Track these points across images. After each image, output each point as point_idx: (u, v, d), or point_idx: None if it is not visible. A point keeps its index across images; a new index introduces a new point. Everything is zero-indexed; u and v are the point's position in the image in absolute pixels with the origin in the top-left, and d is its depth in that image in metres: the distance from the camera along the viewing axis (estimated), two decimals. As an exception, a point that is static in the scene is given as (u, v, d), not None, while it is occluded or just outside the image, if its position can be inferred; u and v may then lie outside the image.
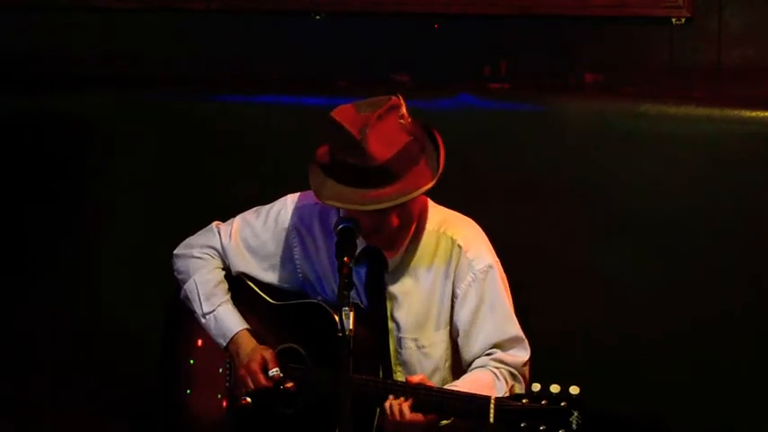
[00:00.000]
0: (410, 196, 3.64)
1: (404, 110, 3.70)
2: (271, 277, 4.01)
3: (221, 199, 4.57)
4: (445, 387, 3.72)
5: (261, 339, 3.95)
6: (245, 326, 3.96)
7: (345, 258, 3.53)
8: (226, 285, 4.03)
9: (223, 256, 4.04)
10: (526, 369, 3.84)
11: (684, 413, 4.41)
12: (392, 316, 3.86)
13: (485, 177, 4.51)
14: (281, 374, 3.84)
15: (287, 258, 3.98)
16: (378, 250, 3.83)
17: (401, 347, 3.87)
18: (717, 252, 4.38)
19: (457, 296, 3.83)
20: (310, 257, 3.94)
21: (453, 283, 3.83)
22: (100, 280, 4.83)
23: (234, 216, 4.08)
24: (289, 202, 3.99)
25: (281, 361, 3.88)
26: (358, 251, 3.77)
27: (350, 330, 3.40)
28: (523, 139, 4.51)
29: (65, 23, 4.99)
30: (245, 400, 3.89)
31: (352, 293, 3.79)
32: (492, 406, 3.49)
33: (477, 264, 3.81)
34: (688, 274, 4.40)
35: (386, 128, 3.64)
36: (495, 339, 3.81)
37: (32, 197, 4.86)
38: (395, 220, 3.70)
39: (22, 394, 4.86)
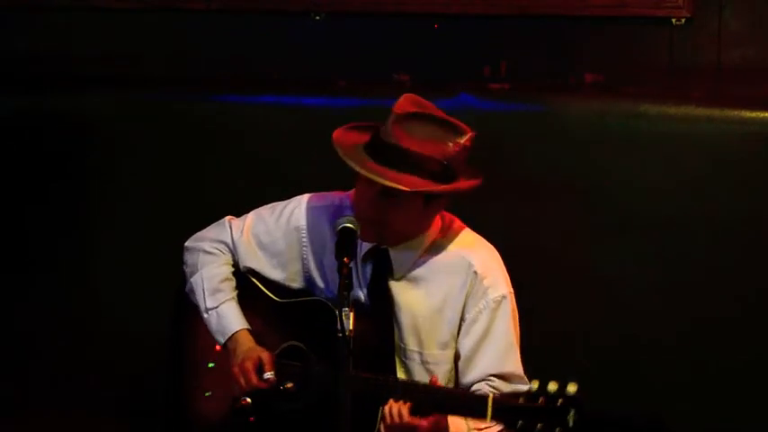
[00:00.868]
0: (403, 188, 3.62)
1: (462, 140, 3.72)
2: (278, 275, 4.00)
3: (221, 199, 4.56)
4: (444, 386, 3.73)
5: (263, 338, 3.94)
6: (247, 326, 3.95)
7: (345, 258, 3.52)
8: (233, 283, 4.02)
9: (233, 251, 4.03)
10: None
11: (684, 413, 4.41)
12: (396, 322, 3.85)
13: (485, 177, 4.50)
14: (276, 379, 3.82)
15: (296, 257, 3.97)
16: (384, 251, 3.82)
17: (405, 357, 3.86)
18: (717, 252, 4.38)
19: (465, 320, 3.82)
20: (319, 258, 3.94)
21: (464, 308, 3.82)
22: (100, 280, 4.83)
23: (232, 215, 4.08)
24: (304, 202, 3.98)
25: (281, 361, 3.87)
26: (365, 251, 3.79)
27: (350, 331, 3.40)
28: (523, 139, 4.51)
29: (65, 23, 4.99)
30: (245, 400, 3.89)
31: (360, 293, 3.81)
32: (490, 404, 3.50)
33: (491, 292, 3.80)
34: (688, 274, 4.40)
35: (434, 133, 3.68)
36: (493, 370, 3.80)
37: (32, 197, 4.85)
38: (371, 209, 3.69)
39: (22, 394, 4.85)
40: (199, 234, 4.09)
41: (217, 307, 3.97)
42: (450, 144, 3.71)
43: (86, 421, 4.74)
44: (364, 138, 3.78)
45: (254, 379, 3.84)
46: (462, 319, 3.82)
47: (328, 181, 4.00)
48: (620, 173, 4.44)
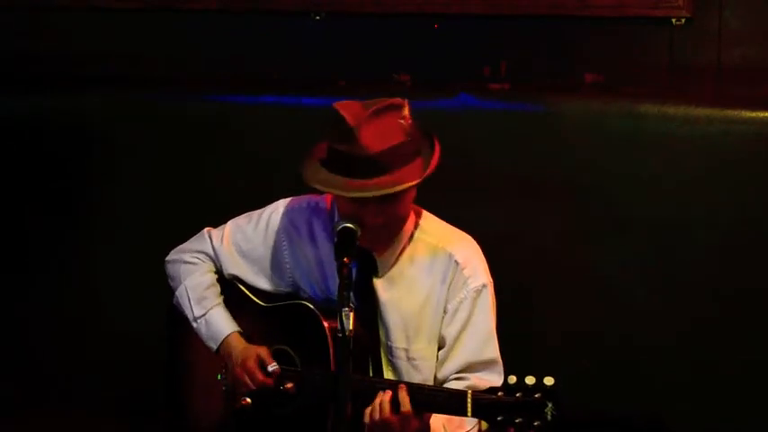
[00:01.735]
0: (392, 190, 3.63)
1: (406, 112, 3.70)
2: (262, 280, 4.01)
3: (221, 199, 4.57)
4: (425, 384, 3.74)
5: (251, 342, 3.94)
6: (236, 328, 3.96)
7: (345, 258, 3.53)
8: (218, 288, 4.03)
9: (215, 260, 4.04)
10: None
11: (684, 413, 4.41)
12: (381, 321, 3.86)
13: (485, 177, 4.51)
14: (280, 369, 3.83)
15: (277, 261, 3.98)
16: (367, 252, 3.83)
17: (392, 356, 3.87)
18: (717, 252, 4.38)
19: (447, 311, 3.84)
20: (299, 259, 3.95)
21: (446, 298, 3.84)
22: (100, 280, 4.83)
23: (232, 218, 4.08)
24: (280, 206, 4.00)
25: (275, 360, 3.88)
26: None
27: (350, 331, 3.41)
28: (523, 139, 4.51)
29: (65, 23, 4.99)
30: (245, 400, 3.88)
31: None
32: (469, 400, 3.51)
33: (471, 282, 3.82)
34: (688, 274, 4.40)
35: (383, 124, 3.65)
36: (471, 359, 3.82)
37: (32, 197, 4.86)
38: (378, 217, 3.70)
39: (22, 394, 4.85)
40: (178, 247, 4.11)
41: (204, 314, 3.99)
42: (402, 121, 3.70)
43: (86, 421, 4.73)
44: (317, 163, 3.75)
45: (260, 375, 3.85)
46: (445, 311, 3.84)
47: (328, 181, 3.99)
48: (620, 173, 4.44)
